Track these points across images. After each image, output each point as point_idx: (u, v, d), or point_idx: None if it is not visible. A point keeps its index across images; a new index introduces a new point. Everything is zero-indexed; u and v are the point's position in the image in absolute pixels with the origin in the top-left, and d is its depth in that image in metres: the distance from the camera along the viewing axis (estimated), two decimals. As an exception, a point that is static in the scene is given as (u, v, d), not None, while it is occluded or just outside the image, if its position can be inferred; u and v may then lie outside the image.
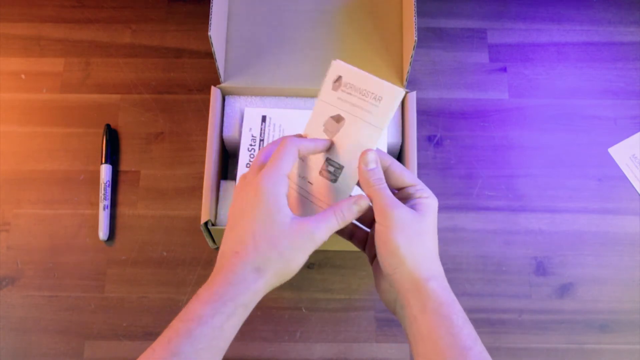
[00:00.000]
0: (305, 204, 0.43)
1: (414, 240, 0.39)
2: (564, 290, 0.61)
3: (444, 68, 0.68)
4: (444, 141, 0.66)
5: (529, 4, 0.71)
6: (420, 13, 0.54)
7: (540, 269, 0.62)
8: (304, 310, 0.60)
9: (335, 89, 0.42)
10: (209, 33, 0.52)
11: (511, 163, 0.65)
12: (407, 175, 0.42)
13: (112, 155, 0.64)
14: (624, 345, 0.59)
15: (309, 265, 0.61)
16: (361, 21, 0.62)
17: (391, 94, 0.40)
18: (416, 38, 0.53)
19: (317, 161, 0.42)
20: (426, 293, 0.38)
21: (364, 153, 0.40)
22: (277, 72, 0.60)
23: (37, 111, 0.66)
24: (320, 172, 0.42)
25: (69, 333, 0.59)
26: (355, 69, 0.41)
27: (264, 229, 0.38)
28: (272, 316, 0.60)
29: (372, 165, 0.40)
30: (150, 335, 0.59)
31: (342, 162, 0.42)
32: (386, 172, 0.41)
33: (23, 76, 0.67)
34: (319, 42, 0.61)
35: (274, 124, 0.57)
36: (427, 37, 0.69)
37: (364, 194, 0.41)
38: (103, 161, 0.63)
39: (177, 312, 0.38)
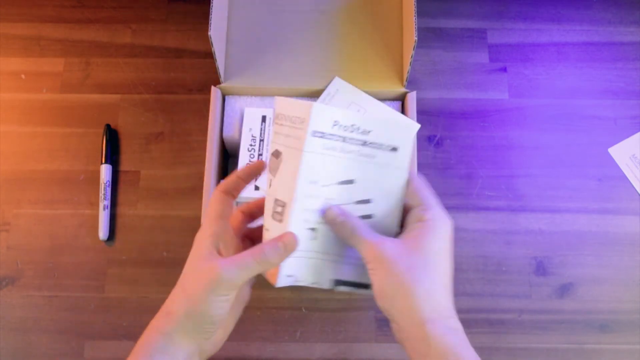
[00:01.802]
0: None
1: (403, 279, 0.33)
2: (564, 290, 0.61)
3: (444, 68, 0.68)
4: (444, 141, 0.66)
5: (529, 4, 0.71)
6: (420, 13, 0.54)
7: (540, 269, 0.62)
8: (304, 310, 0.60)
9: (275, 124, 0.39)
10: (209, 33, 0.52)
11: (511, 163, 0.65)
12: (420, 192, 0.37)
13: (112, 155, 0.64)
14: (624, 345, 0.59)
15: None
16: (361, 21, 0.62)
17: (307, 112, 0.36)
18: (416, 38, 0.53)
19: (268, 205, 0.39)
20: (426, 342, 0.33)
21: (329, 210, 0.36)
22: (277, 72, 0.60)
23: (37, 111, 0.66)
24: (272, 216, 0.38)
25: (69, 333, 0.59)
26: (285, 99, 0.38)
27: (183, 273, 0.37)
28: (272, 316, 0.60)
29: (339, 219, 0.36)
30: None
31: (285, 200, 0.37)
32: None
33: (23, 76, 0.67)
34: (319, 43, 0.61)
35: (274, 124, 0.57)
36: (427, 37, 0.69)
37: (292, 231, 0.36)
38: (103, 161, 0.63)
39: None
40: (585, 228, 0.63)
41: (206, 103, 0.59)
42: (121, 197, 0.63)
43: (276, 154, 0.38)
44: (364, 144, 0.37)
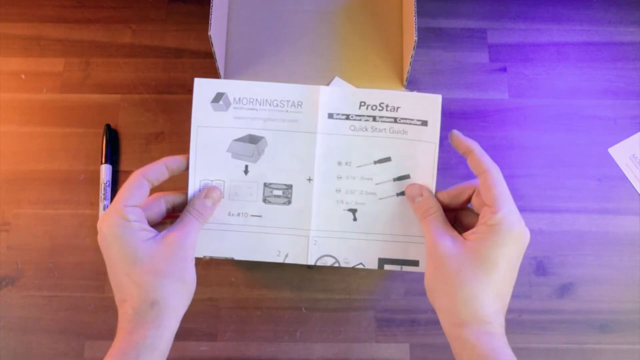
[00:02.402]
0: (257, 239, 0.40)
1: (448, 279, 0.34)
2: (564, 290, 0.61)
3: (444, 68, 0.68)
4: (444, 141, 0.66)
5: (529, 4, 0.71)
6: (420, 13, 0.54)
7: (540, 269, 0.62)
8: (304, 310, 0.60)
9: (221, 109, 0.39)
10: (209, 33, 0.52)
11: (511, 163, 0.65)
12: (495, 190, 0.36)
13: (112, 155, 0.64)
14: (624, 345, 0.59)
15: (309, 266, 0.61)
16: (361, 21, 0.62)
17: (315, 95, 0.37)
18: (416, 38, 0.53)
19: (250, 190, 0.39)
20: (461, 342, 0.33)
21: (409, 186, 0.38)
22: (277, 72, 0.60)
23: (37, 111, 0.66)
24: (265, 201, 0.39)
25: (69, 333, 0.59)
26: (256, 83, 0.39)
27: (133, 262, 0.36)
28: (272, 316, 0.60)
29: (418, 199, 0.38)
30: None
31: (288, 182, 0.38)
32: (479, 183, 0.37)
33: (23, 76, 0.67)
34: (319, 43, 0.61)
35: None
36: (427, 37, 0.69)
37: (214, 185, 0.39)
38: (103, 161, 0.63)
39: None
40: (585, 228, 0.63)
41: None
42: (121, 197, 0.63)
43: (251, 139, 0.38)
44: (395, 120, 0.38)
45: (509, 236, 0.35)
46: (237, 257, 0.41)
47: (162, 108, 0.66)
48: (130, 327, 0.35)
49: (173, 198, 0.42)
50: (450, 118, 0.66)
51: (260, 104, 0.38)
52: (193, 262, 0.37)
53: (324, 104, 0.36)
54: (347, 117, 0.37)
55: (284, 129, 0.37)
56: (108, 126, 0.65)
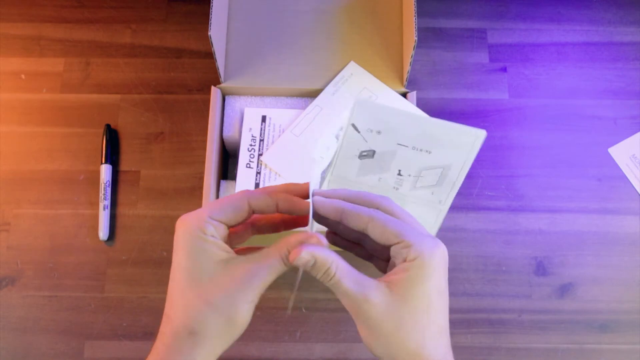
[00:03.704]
0: None
1: (392, 340, 0.30)
2: (564, 290, 0.61)
3: (444, 68, 0.68)
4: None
5: (529, 4, 0.71)
6: (420, 13, 0.54)
7: (540, 269, 0.62)
8: (304, 310, 0.60)
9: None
10: (209, 33, 0.52)
11: (511, 163, 0.65)
12: (391, 228, 0.31)
13: (112, 155, 0.64)
14: (624, 345, 0.59)
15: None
16: (361, 21, 0.62)
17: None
18: (416, 38, 0.53)
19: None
20: None
21: (294, 257, 0.31)
22: (277, 72, 0.60)
23: (37, 111, 0.66)
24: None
25: (69, 333, 0.59)
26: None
27: (191, 280, 0.31)
28: (272, 316, 0.60)
29: (309, 264, 0.32)
30: (151, 335, 0.59)
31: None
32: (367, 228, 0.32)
33: (23, 76, 0.67)
34: (319, 42, 0.61)
35: (274, 124, 0.57)
36: (427, 37, 0.69)
37: (320, 235, 0.32)
38: (103, 161, 0.63)
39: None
40: (585, 228, 0.63)
41: (206, 103, 0.59)
42: (121, 197, 0.63)
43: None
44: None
45: (433, 263, 0.31)
46: None
47: (162, 108, 0.66)
48: (164, 353, 0.31)
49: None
50: (450, 118, 0.66)
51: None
52: (252, 305, 0.32)
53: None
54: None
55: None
56: (108, 126, 0.65)
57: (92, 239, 0.62)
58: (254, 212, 0.34)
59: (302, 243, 0.31)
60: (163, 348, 0.31)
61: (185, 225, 0.32)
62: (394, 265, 0.32)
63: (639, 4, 0.71)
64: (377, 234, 0.32)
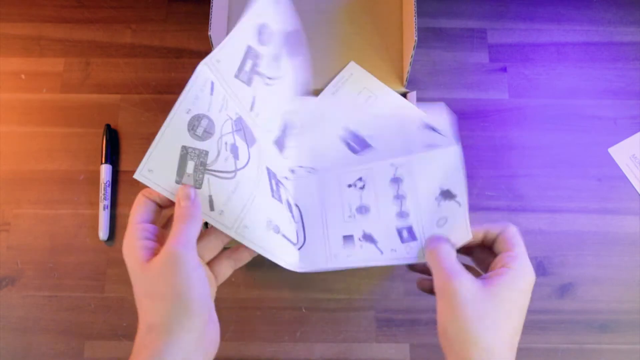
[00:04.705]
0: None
1: (469, 327, 0.31)
2: (564, 290, 0.61)
3: (444, 68, 0.68)
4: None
5: (529, 4, 0.71)
6: (420, 13, 0.54)
7: (540, 269, 0.62)
8: (304, 310, 0.60)
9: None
10: (209, 33, 0.52)
11: (511, 163, 0.65)
12: (512, 239, 0.36)
13: (112, 155, 0.64)
14: (624, 345, 0.59)
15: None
16: (361, 21, 0.62)
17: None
18: (416, 38, 0.53)
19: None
20: None
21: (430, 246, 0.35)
22: (277, 72, 0.60)
23: (37, 111, 0.66)
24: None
25: (69, 333, 0.59)
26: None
27: (135, 280, 0.33)
28: (272, 316, 0.60)
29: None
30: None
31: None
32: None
33: (23, 76, 0.67)
34: (318, 43, 0.61)
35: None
36: (427, 37, 0.69)
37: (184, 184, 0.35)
38: (103, 161, 0.63)
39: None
40: (585, 228, 0.63)
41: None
42: (121, 197, 0.63)
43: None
44: None
45: (527, 281, 0.34)
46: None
47: (162, 108, 0.66)
48: (134, 352, 0.33)
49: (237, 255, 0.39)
50: (450, 118, 0.66)
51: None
52: (198, 277, 0.32)
53: None
54: None
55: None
56: (108, 126, 0.65)
57: (92, 239, 0.62)
58: (160, 206, 0.36)
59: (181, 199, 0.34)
60: (134, 347, 0.33)
61: (125, 239, 0.34)
62: (493, 269, 0.35)
63: (639, 4, 0.71)
64: (503, 236, 0.36)
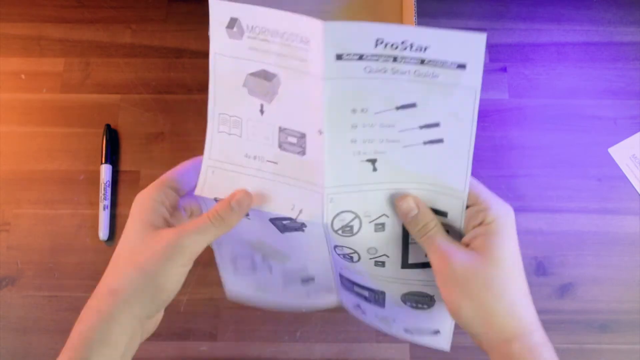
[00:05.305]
0: (271, 187, 0.36)
1: (481, 297, 0.31)
2: (564, 290, 0.61)
3: (444, 68, 0.68)
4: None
5: (529, 4, 0.71)
6: (420, 13, 0.54)
7: (540, 269, 0.62)
8: (304, 310, 0.60)
9: (235, 37, 0.34)
10: (209, 33, 0.52)
11: (511, 163, 0.65)
12: (472, 191, 0.34)
13: (112, 155, 0.64)
14: (624, 345, 0.59)
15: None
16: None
17: (318, 31, 0.30)
18: (416, 38, 0.53)
19: (266, 133, 0.35)
20: (511, 358, 0.30)
21: (400, 200, 0.32)
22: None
23: (37, 111, 0.66)
24: (280, 147, 0.35)
25: (69, 333, 0.59)
26: (266, 9, 0.33)
27: (126, 244, 0.33)
28: (272, 316, 0.60)
29: (412, 213, 0.33)
30: (151, 335, 0.58)
31: (302, 130, 0.34)
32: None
33: (23, 76, 0.67)
34: (319, 42, 0.61)
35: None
36: (427, 37, 0.69)
37: (246, 188, 0.34)
38: (103, 161, 0.63)
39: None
40: (585, 228, 0.63)
41: (206, 103, 0.59)
42: (121, 197, 0.63)
43: (265, 76, 0.34)
44: (422, 62, 0.31)
45: (509, 224, 0.32)
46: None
47: (162, 108, 0.66)
48: (83, 313, 0.34)
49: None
50: (450, 118, 0.66)
51: (272, 36, 0.33)
52: (182, 269, 0.33)
53: (330, 43, 0.30)
54: (361, 57, 0.31)
55: (295, 67, 0.32)
56: (108, 126, 0.65)
57: (92, 239, 0.62)
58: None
59: (233, 200, 0.33)
60: (84, 309, 0.33)
61: (140, 193, 0.34)
62: (467, 229, 0.33)
63: (639, 4, 0.71)
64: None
